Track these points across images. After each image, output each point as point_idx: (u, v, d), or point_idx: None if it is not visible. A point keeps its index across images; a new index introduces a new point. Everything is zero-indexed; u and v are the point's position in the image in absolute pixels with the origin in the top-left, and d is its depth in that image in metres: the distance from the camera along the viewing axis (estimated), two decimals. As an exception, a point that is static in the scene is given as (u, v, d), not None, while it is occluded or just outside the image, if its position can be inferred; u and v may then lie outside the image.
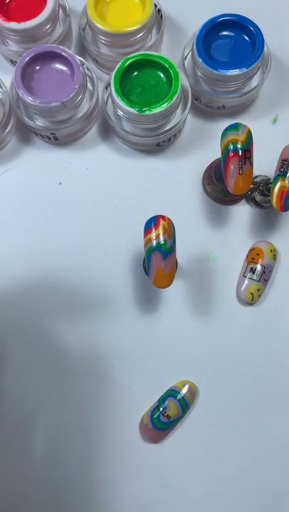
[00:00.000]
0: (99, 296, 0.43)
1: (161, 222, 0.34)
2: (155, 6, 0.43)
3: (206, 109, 0.46)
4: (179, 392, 0.40)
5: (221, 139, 0.37)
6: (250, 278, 0.42)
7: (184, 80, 0.42)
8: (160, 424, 0.40)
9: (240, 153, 0.36)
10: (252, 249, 0.43)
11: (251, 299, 0.42)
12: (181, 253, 0.41)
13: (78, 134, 0.45)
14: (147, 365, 0.42)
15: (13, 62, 0.46)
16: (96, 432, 0.41)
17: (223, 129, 0.37)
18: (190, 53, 0.43)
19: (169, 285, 0.35)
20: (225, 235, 0.44)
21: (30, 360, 0.42)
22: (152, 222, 0.34)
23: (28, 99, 0.40)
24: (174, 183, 0.45)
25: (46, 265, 0.43)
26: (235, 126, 0.37)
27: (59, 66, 0.42)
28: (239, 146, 0.36)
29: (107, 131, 0.46)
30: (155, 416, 0.40)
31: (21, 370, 0.42)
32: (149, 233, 0.34)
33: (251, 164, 0.37)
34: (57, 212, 0.44)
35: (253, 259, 0.42)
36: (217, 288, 0.43)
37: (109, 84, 0.41)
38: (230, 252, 0.43)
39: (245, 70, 0.40)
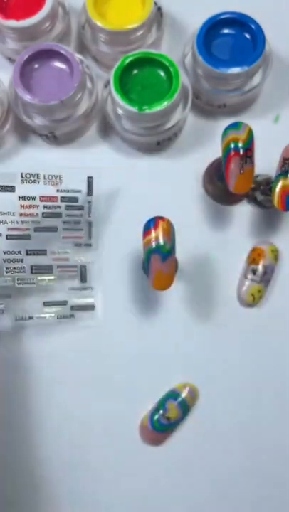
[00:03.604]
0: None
1: (161, 223, 0.34)
2: (155, 3, 0.43)
3: (206, 108, 0.45)
4: (179, 394, 0.40)
5: (222, 138, 0.37)
6: (251, 279, 0.41)
7: (184, 78, 0.42)
8: (160, 426, 0.40)
9: (241, 152, 0.36)
10: (253, 250, 0.42)
11: (252, 301, 0.41)
12: (181, 254, 0.41)
13: (77, 132, 0.45)
14: (147, 367, 0.41)
15: (11, 60, 0.46)
16: (96, 434, 0.41)
17: (224, 127, 0.37)
18: (190, 51, 0.43)
19: (168, 287, 0.34)
20: (226, 235, 0.43)
21: (29, 363, 0.42)
22: (151, 224, 0.34)
23: (27, 97, 0.40)
24: (174, 182, 0.44)
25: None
26: (236, 125, 0.36)
27: (58, 64, 0.42)
28: (240, 145, 0.36)
29: (107, 130, 0.45)
30: (155, 418, 0.40)
31: (21, 371, 0.42)
32: (148, 235, 0.34)
33: (252, 163, 0.36)
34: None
35: (254, 259, 0.42)
36: (218, 289, 0.43)
37: (108, 82, 0.41)
38: (231, 252, 0.43)
39: (246, 68, 0.40)
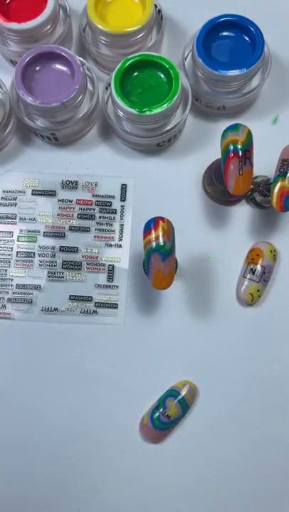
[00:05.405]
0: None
1: (161, 223, 0.34)
2: (155, 6, 0.43)
3: (206, 110, 0.46)
4: (179, 393, 0.40)
5: (221, 140, 0.37)
6: (250, 279, 0.42)
7: (184, 81, 0.42)
8: (160, 424, 0.40)
9: (240, 153, 0.36)
10: (252, 250, 0.43)
11: (251, 300, 0.42)
12: (181, 254, 0.41)
13: (78, 134, 0.45)
14: (147, 366, 0.42)
15: (13, 63, 0.46)
16: (96, 432, 0.41)
17: (223, 129, 0.37)
18: (190, 54, 0.43)
19: (168, 286, 0.35)
20: (225, 235, 0.44)
21: (29, 362, 0.42)
22: (152, 224, 0.34)
23: (29, 99, 0.40)
24: (174, 184, 0.45)
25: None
26: (235, 127, 0.37)
27: (59, 66, 0.42)
28: (239, 146, 0.36)
29: (108, 132, 0.46)
30: (155, 416, 0.40)
31: (21, 371, 0.42)
32: (149, 235, 0.34)
33: (251, 165, 0.37)
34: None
35: (253, 259, 0.42)
36: (217, 289, 0.43)
37: (109, 84, 0.41)
38: (230, 252, 0.43)
39: (245, 70, 0.40)
